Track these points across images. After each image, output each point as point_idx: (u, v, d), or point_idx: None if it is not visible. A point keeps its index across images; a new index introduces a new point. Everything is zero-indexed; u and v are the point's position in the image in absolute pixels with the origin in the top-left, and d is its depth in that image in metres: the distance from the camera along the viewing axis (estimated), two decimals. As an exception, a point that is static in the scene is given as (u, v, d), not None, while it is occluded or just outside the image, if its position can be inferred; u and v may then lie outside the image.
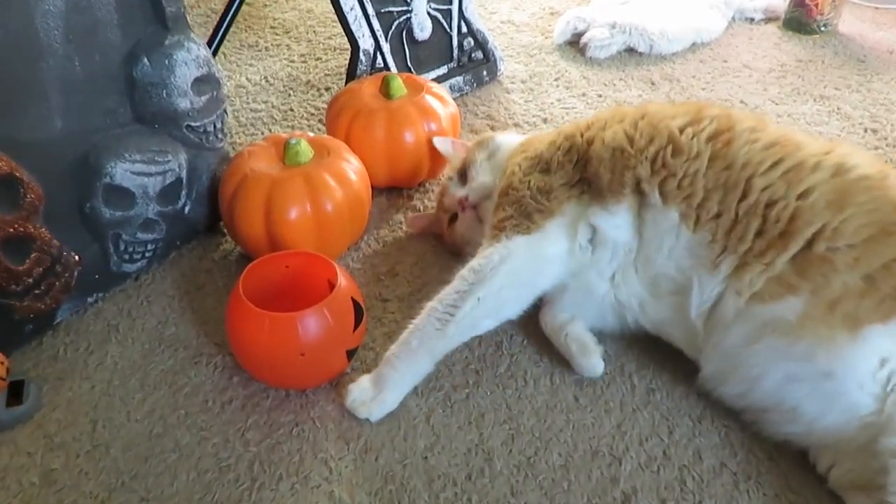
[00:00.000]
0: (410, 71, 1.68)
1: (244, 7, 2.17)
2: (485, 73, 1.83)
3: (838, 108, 1.73)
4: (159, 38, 1.16)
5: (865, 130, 1.66)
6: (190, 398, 1.05)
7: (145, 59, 1.15)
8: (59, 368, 1.10)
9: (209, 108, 1.24)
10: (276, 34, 2.10)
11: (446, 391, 1.07)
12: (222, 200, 1.24)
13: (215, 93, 1.24)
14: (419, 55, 1.72)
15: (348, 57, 1.61)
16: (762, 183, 0.94)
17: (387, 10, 1.62)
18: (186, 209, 1.26)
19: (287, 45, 2.03)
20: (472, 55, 1.81)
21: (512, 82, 1.85)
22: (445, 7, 1.73)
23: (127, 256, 1.21)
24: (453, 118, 1.44)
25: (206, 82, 1.22)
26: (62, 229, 1.11)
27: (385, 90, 1.41)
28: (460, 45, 1.78)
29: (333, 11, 1.57)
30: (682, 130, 1.00)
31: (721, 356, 0.97)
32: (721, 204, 0.95)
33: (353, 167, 1.25)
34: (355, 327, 1.03)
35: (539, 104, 1.76)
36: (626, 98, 1.78)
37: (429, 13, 1.70)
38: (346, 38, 1.60)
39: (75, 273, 1.13)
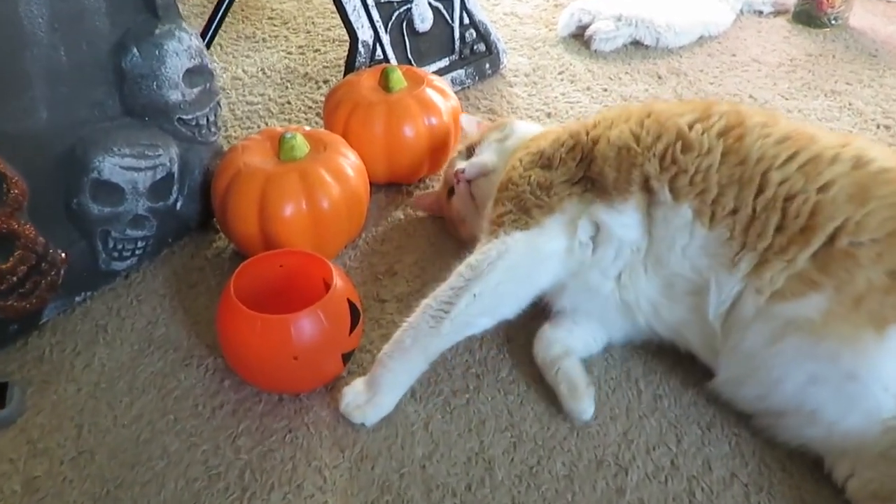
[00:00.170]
0: (411, 63, 1.64)
1: (241, -3, 2.14)
2: (487, 65, 1.78)
3: (850, 104, 1.69)
4: (149, 27, 1.12)
5: (878, 126, 1.61)
6: (179, 402, 1.02)
7: (135, 49, 1.11)
8: (44, 370, 1.06)
9: (201, 101, 1.19)
10: (274, 25, 2.05)
11: (446, 396, 1.03)
12: (215, 196, 1.20)
13: (208, 84, 1.20)
14: (420, 47, 1.68)
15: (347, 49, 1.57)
16: (779, 177, 0.91)
17: (387, 0, 1.58)
18: (178, 205, 1.22)
19: (285, 37, 1.99)
20: (475, 47, 1.76)
21: (515, 75, 1.81)
22: (447, -2, 1.69)
23: (116, 254, 1.17)
24: (454, 112, 1.40)
25: (198, 74, 1.18)
26: (48, 226, 1.07)
27: (384, 83, 1.37)
28: (462, 37, 1.74)
29: (332, 2, 1.53)
30: (690, 127, 0.97)
31: (740, 358, 0.93)
32: (737, 199, 0.92)
33: (350, 162, 1.21)
34: (351, 329, 0.99)
35: (543, 98, 1.72)
36: (632, 92, 1.74)
37: (430, 4, 1.65)
38: (344, 29, 1.56)
39: (62, 271, 1.09)
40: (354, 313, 0.99)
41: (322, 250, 1.15)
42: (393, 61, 1.60)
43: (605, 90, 1.75)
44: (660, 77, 1.80)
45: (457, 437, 0.98)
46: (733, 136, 0.95)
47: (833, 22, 2.01)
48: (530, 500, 0.90)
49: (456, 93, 1.50)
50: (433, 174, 1.45)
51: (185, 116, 1.18)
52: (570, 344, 1.04)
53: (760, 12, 2.12)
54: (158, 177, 1.16)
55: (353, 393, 0.99)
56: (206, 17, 1.76)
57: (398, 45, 1.63)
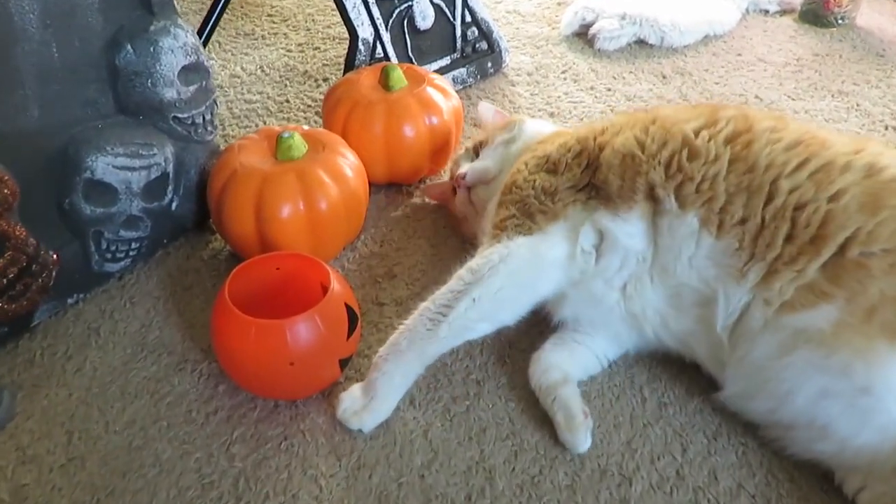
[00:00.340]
0: (411, 61, 1.61)
1: (241, -7, 2.12)
2: (489, 64, 1.76)
3: (857, 105, 1.66)
4: (144, 23, 1.10)
5: (886, 128, 1.59)
6: (173, 408, 0.99)
7: (129, 46, 1.08)
8: (35, 374, 1.04)
9: (197, 99, 1.17)
10: (274, 22, 2.03)
11: (445, 403, 1.00)
12: (211, 197, 1.17)
13: (204, 82, 1.17)
14: (421, 45, 1.65)
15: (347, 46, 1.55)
16: (789, 185, 0.88)
17: (387, -3, 1.56)
18: (173, 205, 1.20)
19: (284, 34, 1.96)
20: (476, 46, 1.74)
21: (517, 74, 1.78)
22: (449, -5, 1.66)
23: (109, 255, 1.14)
24: (456, 111, 1.37)
25: (193, 71, 1.15)
26: (39, 226, 1.04)
27: (384, 81, 1.34)
28: (464, 35, 1.71)
29: (332, -2, 1.51)
30: (697, 133, 0.95)
31: (749, 370, 0.91)
32: (746, 208, 0.89)
33: (349, 163, 1.18)
34: (349, 335, 0.97)
35: (545, 98, 1.69)
36: (636, 92, 1.71)
37: (431, 1, 1.63)
38: (344, 26, 1.53)
39: (53, 273, 1.07)
40: (352, 318, 0.97)
41: (320, 252, 1.13)
42: (393, 59, 1.58)
43: (609, 90, 1.72)
44: (664, 77, 1.77)
45: (457, 445, 0.95)
46: (741, 142, 0.92)
47: (840, 21, 1.99)
48: (532, 512, 0.88)
49: (457, 92, 1.47)
50: (434, 174, 1.42)
51: (180, 115, 1.16)
52: (568, 369, 1.01)
53: (766, 11, 2.09)
54: (153, 176, 1.13)
55: (350, 399, 0.97)
56: (205, 13, 1.74)
57: (399, 43, 1.60)
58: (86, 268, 1.13)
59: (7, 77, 0.98)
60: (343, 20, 1.53)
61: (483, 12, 1.73)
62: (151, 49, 1.09)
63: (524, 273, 0.97)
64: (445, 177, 1.42)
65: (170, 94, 1.13)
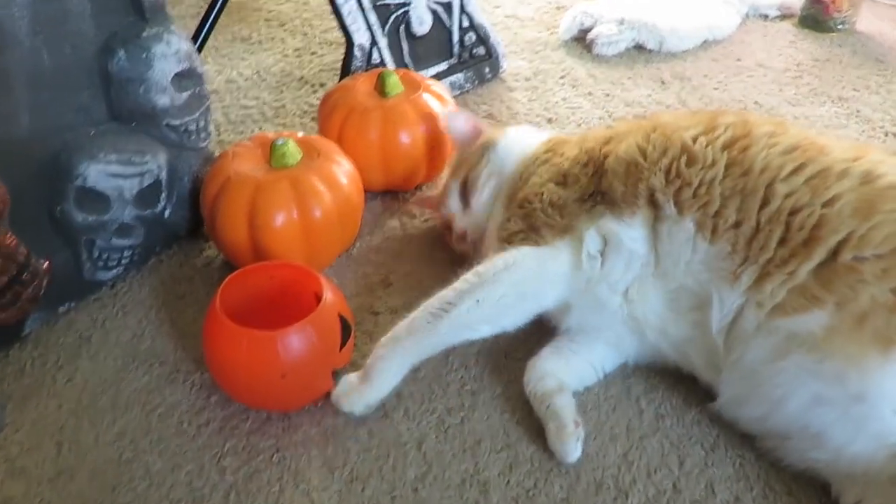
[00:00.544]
0: (408, 67, 1.61)
1: (237, -2, 2.11)
2: (487, 69, 1.75)
3: (858, 111, 1.65)
4: (136, 29, 1.09)
5: (886, 134, 1.58)
6: (164, 420, 0.98)
7: (121, 53, 1.07)
8: (24, 385, 1.03)
9: (191, 106, 1.16)
10: (271, 27, 2.02)
11: (440, 414, 0.99)
12: (204, 204, 1.16)
13: (198, 89, 1.17)
14: (418, 50, 1.64)
15: (343, 52, 1.54)
16: (785, 189, 0.88)
17: (383, 2, 1.54)
18: (166, 213, 1.19)
19: (281, 39, 1.96)
20: (474, 51, 1.73)
21: (515, 80, 1.77)
22: (446, 0, 1.64)
23: (101, 263, 1.13)
24: (452, 118, 1.36)
25: (187, 78, 1.14)
26: (30, 234, 1.03)
27: (380, 87, 1.33)
28: (461, 41, 1.70)
29: (329, 4, 1.50)
30: (695, 140, 0.95)
31: (742, 374, 0.90)
32: (740, 212, 0.89)
33: (344, 170, 1.17)
34: (342, 345, 0.95)
35: (543, 103, 1.68)
36: (635, 98, 1.70)
37: (428, 6, 1.62)
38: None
39: (44, 281, 1.05)
40: (345, 328, 0.96)
41: (314, 261, 1.12)
42: (390, 65, 1.57)
43: (608, 95, 1.71)
44: (663, 82, 1.76)
45: (451, 457, 0.94)
46: (738, 147, 0.92)
47: (840, 27, 1.98)
48: (526, 526, 0.87)
49: (455, 97, 1.46)
50: (430, 181, 1.41)
51: (173, 122, 1.15)
52: (564, 378, 1.00)
53: (766, 16, 2.09)
54: (146, 184, 1.12)
55: (345, 382, 0.97)
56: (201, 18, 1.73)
57: (395, 49, 1.60)
58: (77, 276, 1.12)
59: (-3, 84, 0.98)
60: (339, 25, 1.52)
61: (480, 17, 1.72)
62: (144, 55, 1.08)
63: (528, 283, 0.98)
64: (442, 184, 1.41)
65: (163, 100, 1.12)
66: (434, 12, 1.63)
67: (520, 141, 1.15)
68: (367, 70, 1.53)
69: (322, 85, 1.74)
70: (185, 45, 1.13)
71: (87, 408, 1.00)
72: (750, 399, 0.91)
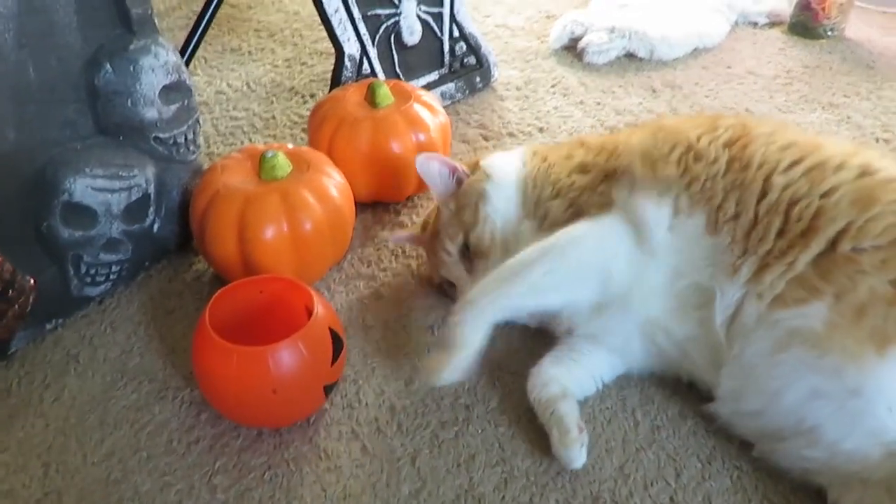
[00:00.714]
0: (399, 77, 1.60)
1: (227, 9, 2.10)
2: (478, 79, 1.74)
3: (849, 117, 1.65)
4: (124, 42, 1.08)
5: (877, 140, 1.58)
6: (153, 438, 0.96)
7: (108, 66, 1.06)
8: (11, 404, 1.01)
9: (179, 119, 1.15)
10: (261, 38, 2.01)
11: (433, 429, 0.98)
12: (193, 218, 1.15)
13: (186, 101, 1.15)
14: (408, 61, 1.63)
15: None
16: (783, 181, 0.90)
17: (374, 12, 1.54)
18: (155, 227, 1.17)
19: (271, 50, 1.95)
20: (465, 60, 1.72)
21: (506, 89, 1.77)
22: (436, 10, 1.64)
23: (89, 279, 1.12)
24: (444, 128, 1.35)
25: (175, 90, 1.13)
26: (16, 251, 1.01)
27: (371, 98, 1.32)
28: (452, 50, 1.70)
29: (318, 15, 1.49)
30: (699, 139, 0.97)
31: (742, 368, 0.90)
32: (739, 205, 0.91)
33: (334, 182, 1.16)
34: (334, 360, 0.94)
35: (535, 112, 1.67)
36: (626, 106, 1.70)
37: (419, 16, 1.61)
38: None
39: (31, 298, 1.04)
40: (337, 343, 0.94)
41: (305, 274, 1.11)
42: (380, 75, 1.56)
43: (599, 104, 1.71)
44: (654, 90, 1.76)
45: (445, 472, 0.93)
46: (739, 145, 0.95)
47: (829, 33, 1.98)
48: (522, 542, 0.85)
49: (446, 107, 1.46)
50: (421, 192, 1.40)
51: (161, 135, 1.13)
52: (567, 384, 0.99)
53: (755, 24, 2.09)
54: (133, 198, 1.11)
55: (431, 359, 0.96)
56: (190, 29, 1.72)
57: (386, 59, 1.59)
58: (64, 292, 1.11)
59: (-19, 99, 0.96)
60: (329, 36, 1.51)
61: (471, 27, 1.71)
62: (131, 68, 1.07)
63: (596, 253, 0.96)
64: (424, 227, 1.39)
65: (150, 113, 1.11)
66: (424, 22, 1.62)
67: (504, 169, 1.09)
68: (357, 80, 1.52)
69: (312, 96, 1.73)
70: (173, 58, 1.12)
71: (74, 427, 0.98)
72: (748, 392, 0.90)
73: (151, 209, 1.15)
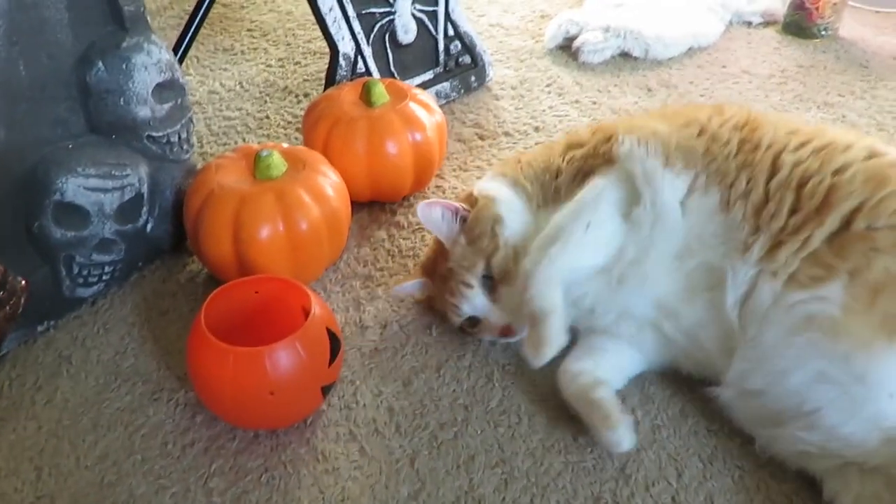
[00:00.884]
0: (394, 76, 1.59)
1: (220, 9, 2.09)
2: (473, 78, 1.73)
3: (843, 116, 1.65)
4: (116, 39, 1.06)
5: (872, 139, 1.58)
6: (147, 440, 0.95)
7: (100, 63, 1.05)
8: (2, 407, 0.99)
9: (172, 117, 1.13)
10: (253, 37, 1.99)
11: (432, 430, 0.97)
12: (187, 218, 1.13)
13: (179, 100, 1.14)
14: (403, 59, 1.62)
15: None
16: (792, 159, 0.92)
17: (368, 11, 1.52)
18: (148, 227, 1.16)
19: (264, 49, 1.93)
20: (460, 59, 1.71)
21: (501, 88, 1.76)
22: (431, 8, 1.63)
23: (81, 280, 1.10)
24: (439, 127, 1.34)
25: (168, 89, 1.12)
26: (7, 251, 1.00)
27: (366, 97, 1.31)
28: (447, 49, 1.69)
29: (312, 13, 1.48)
30: (709, 120, 1.00)
31: (757, 350, 0.90)
32: (749, 182, 0.92)
33: (330, 181, 1.15)
34: (331, 361, 0.93)
35: (530, 111, 1.67)
36: (622, 105, 1.69)
37: (413, 15, 1.60)
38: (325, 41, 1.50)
39: (22, 299, 1.02)
40: (334, 343, 0.93)
41: (301, 274, 1.09)
42: (375, 74, 1.55)
43: (595, 103, 1.70)
44: (650, 89, 1.76)
45: (444, 474, 0.92)
46: (748, 128, 0.97)
47: (823, 33, 1.98)
48: (524, 544, 0.84)
49: (441, 106, 1.45)
50: (418, 192, 1.39)
51: (154, 134, 1.12)
52: (598, 375, 0.98)
53: (749, 23, 2.09)
54: (126, 198, 1.09)
55: (524, 342, 0.96)
56: (183, 28, 1.70)
57: (381, 58, 1.58)
58: (57, 293, 1.09)
59: (-29, 97, 0.95)
60: (323, 35, 1.50)
61: (466, 25, 1.70)
62: (124, 66, 1.06)
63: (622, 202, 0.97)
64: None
65: (143, 112, 1.09)
66: (419, 21, 1.61)
67: (498, 188, 1.08)
68: (352, 79, 1.51)
69: (306, 95, 1.72)
70: (166, 56, 1.11)
71: (67, 429, 0.97)
72: (755, 371, 0.90)
73: (145, 209, 1.14)
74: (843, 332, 0.83)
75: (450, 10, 1.65)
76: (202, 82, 1.77)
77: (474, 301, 1.03)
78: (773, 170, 0.92)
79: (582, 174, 1.01)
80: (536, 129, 1.61)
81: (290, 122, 1.62)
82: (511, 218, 1.04)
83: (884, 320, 0.81)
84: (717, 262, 0.93)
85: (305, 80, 1.78)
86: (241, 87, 1.76)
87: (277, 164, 1.11)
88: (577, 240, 0.95)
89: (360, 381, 1.03)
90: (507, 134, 1.59)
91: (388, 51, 1.59)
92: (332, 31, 1.48)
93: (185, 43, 1.60)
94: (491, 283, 1.03)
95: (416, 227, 1.31)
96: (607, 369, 1.00)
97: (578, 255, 0.96)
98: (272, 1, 2.19)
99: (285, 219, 1.07)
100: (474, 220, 1.04)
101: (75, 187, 1.03)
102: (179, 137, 1.16)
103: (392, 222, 1.33)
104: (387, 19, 1.56)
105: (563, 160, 1.05)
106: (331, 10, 1.46)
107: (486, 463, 0.93)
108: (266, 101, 1.70)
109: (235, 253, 1.08)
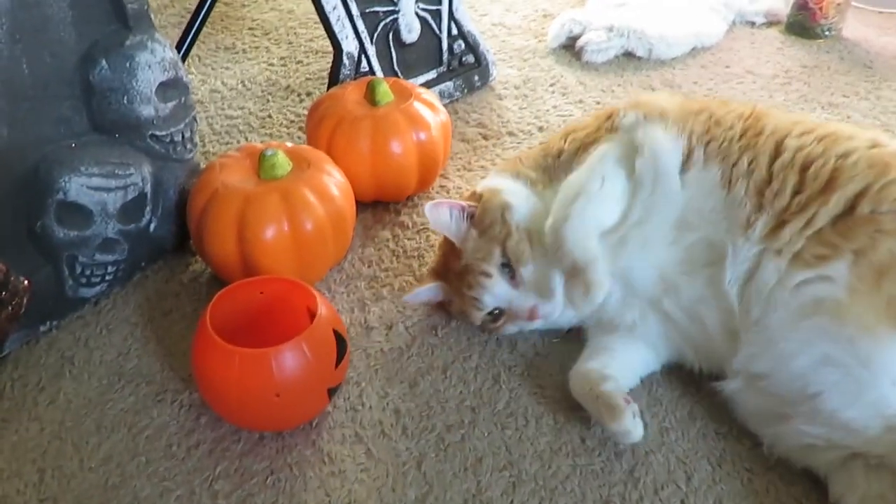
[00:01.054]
0: (397, 75, 1.58)
1: (221, 7, 2.07)
2: (476, 77, 1.72)
3: (848, 117, 1.64)
4: (119, 38, 1.05)
5: (877, 140, 1.57)
6: (151, 442, 0.94)
7: (103, 62, 1.04)
8: (4, 408, 0.99)
9: (176, 116, 1.12)
10: (255, 36, 1.98)
11: (439, 432, 0.96)
12: (191, 218, 1.12)
13: (183, 99, 1.13)
14: (407, 58, 1.61)
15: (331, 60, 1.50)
16: (795, 143, 0.94)
17: (372, 10, 1.52)
18: (151, 227, 1.15)
19: (266, 48, 1.92)
20: (463, 59, 1.70)
21: (505, 88, 1.75)
22: (434, 7, 1.62)
23: (84, 280, 1.09)
24: (444, 127, 1.34)
25: (172, 87, 1.11)
26: (9, 251, 0.99)
27: (370, 96, 1.30)
28: (450, 48, 1.68)
29: (315, 12, 1.47)
30: (715, 106, 1.03)
31: (763, 332, 0.90)
32: (752, 163, 0.94)
33: (335, 181, 1.14)
34: (338, 362, 0.92)
35: (534, 111, 1.66)
36: (626, 105, 1.68)
37: (417, 14, 1.59)
38: (328, 40, 1.49)
39: (25, 300, 1.01)
40: (340, 344, 0.92)
41: (305, 275, 1.08)
42: (379, 73, 1.54)
43: (598, 102, 1.69)
44: (653, 89, 1.75)
45: (451, 477, 0.91)
46: (752, 118, 1.00)
47: (827, 33, 1.98)
48: (532, 548, 0.84)
49: (444, 106, 1.44)
50: (422, 191, 1.38)
51: (158, 133, 1.11)
52: (607, 373, 0.97)
53: (753, 23, 2.08)
54: (129, 197, 1.08)
55: (568, 298, 0.99)
56: (184, 26, 1.69)
57: (384, 57, 1.57)
58: (59, 293, 1.08)
59: (-27, 95, 0.94)
60: (327, 34, 1.49)
61: (469, 25, 1.70)
62: (127, 64, 1.05)
63: (621, 155, 1.01)
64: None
65: (147, 111, 1.08)
66: (423, 20, 1.60)
67: (503, 181, 1.10)
68: (355, 78, 1.50)
69: (308, 94, 1.71)
70: (170, 54, 1.10)
71: (70, 431, 0.96)
72: (762, 355, 0.90)
73: (148, 208, 1.13)
74: (848, 316, 0.83)
75: (453, 9, 1.65)
76: (204, 81, 1.76)
77: (495, 290, 1.01)
78: (776, 153, 0.94)
79: (584, 147, 1.05)
80: (540, 128, 1.60)
81: (292, 122, 1.61)
82: (518, 203, 1.05)
83: (889, 304, 0.82)
84: (717, 237, 0.94)
85: (308, 79, 1.77)
86: (244, 85, 1.75)
87: (282, 163, 1.11)
88: (596, 194, 0.97)
89: (366, 382, 1.02)
90: (510, 134, 1.58)
91: (392, 50, 1.58)
92: (336, 29, 1.47)
93: (187, 41, 1.60)
94: (510, 270, 1.01)
95: (421, 227, 1.30)
96: (616, 368, 0.99)
97: (601, 207, 0.98)
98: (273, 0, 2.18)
99: (290, 219, 1.06)
100: (483, 212, 1.05)
101: (78, 186, 1.02)
102: (183, 136, 1.15)
103: (396, 222, 1.32)
104: (390, 18, 1.55)
105: (564, 142, 1.09)
106: (335, 8, 1.45)
107: (494, 466, 0.92)
108: (268, 100, 1.69)
109: (240, 253, 1.07)
